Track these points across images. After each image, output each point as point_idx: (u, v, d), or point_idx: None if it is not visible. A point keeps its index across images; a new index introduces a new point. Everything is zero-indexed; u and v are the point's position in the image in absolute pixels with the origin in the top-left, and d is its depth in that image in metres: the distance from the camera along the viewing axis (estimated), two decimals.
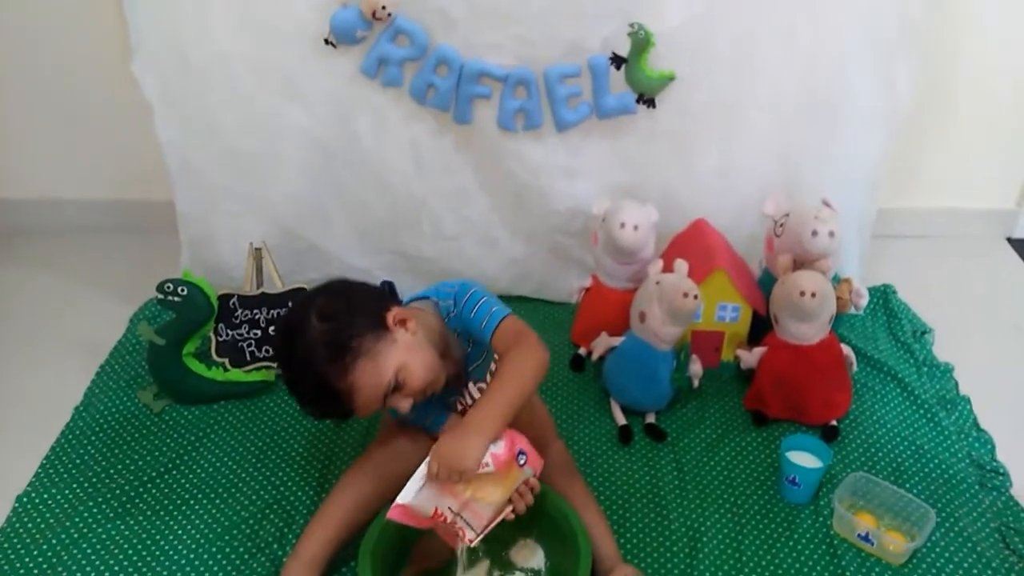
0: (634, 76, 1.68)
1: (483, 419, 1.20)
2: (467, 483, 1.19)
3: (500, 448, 1.20)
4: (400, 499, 1.17)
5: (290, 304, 1.75)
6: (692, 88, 1.71)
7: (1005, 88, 2.10)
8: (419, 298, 1.39)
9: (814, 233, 1.64)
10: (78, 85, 2.13)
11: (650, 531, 1.44)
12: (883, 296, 2.01)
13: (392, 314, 1.26)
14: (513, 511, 1.24)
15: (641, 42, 1.63)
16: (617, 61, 1.67)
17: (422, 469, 1.18)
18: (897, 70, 1.74)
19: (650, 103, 1.72)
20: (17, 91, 2.15)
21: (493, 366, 1.34)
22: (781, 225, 1.71)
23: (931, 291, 2.04)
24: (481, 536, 1.22)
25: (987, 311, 2.02)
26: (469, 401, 1.42)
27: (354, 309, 1.25)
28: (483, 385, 1.39)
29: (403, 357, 1.23)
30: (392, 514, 1.18)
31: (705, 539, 1.42)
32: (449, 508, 1.19)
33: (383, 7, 1.61)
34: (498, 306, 1.31)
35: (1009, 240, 2.30)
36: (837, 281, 1.70)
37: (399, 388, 1.23)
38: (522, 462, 1.22)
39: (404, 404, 1.25)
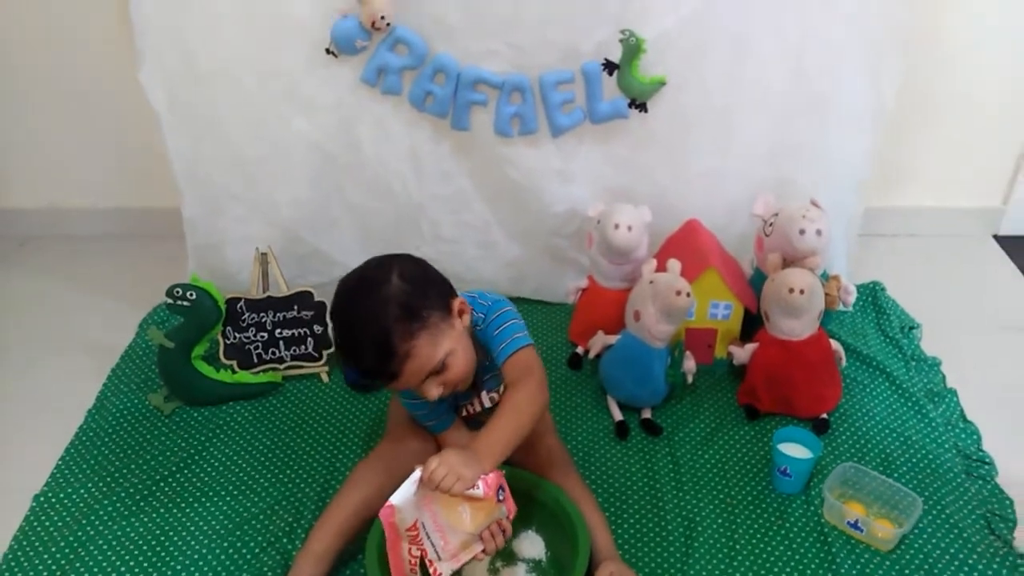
0: (626, 82, 1.72)
1: (492, 446, 1.22)
2: (446, 503, 1.20)
3: (489, 476, 1.22)
4: (393, 499, 1.18)
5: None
6: (683, 93, 1.74)
7: (989, 87, 2.13)
8: None
9: (802, 232, 1.68)
10: (85, 94, 2.16)
11: (647, 522, 1.49)
12: (872, 293, 2.05)
13: (458, 302, 1.32)
14: (484, 551, 1.24)
15: (632, 48, 1.67)
16: (609, 67, 1.71)
17: (416, 473, 1.19)
18: (882, 70, 1.76)
19: (642, 108, 1.75)
20: (26, 101, 2.19)
21: None
22: (770, 225, 1.75)
23: (919, 288, 2.08)
24: (452, 571, 1.22)
25: (974, 307, 2.06)
26: (477, 408, 1.47)
27: (431, 283, 1.30)
28: (495, 395, 1.44)
29: (455, 344, 1.28)
30: (383, 513, 1.19)
31: (700, 528, 1.46)
32: (423, 524, 1.21)
33: (382, 17, 1.64)
34: (521, 333, 1.35)
35: (996, 237, 2.34)
36: (826, 278, 1.73)
37: (440, 372, 1.27)
38: (500, 497, 1.24)
39: (436, 391, 1.28)
